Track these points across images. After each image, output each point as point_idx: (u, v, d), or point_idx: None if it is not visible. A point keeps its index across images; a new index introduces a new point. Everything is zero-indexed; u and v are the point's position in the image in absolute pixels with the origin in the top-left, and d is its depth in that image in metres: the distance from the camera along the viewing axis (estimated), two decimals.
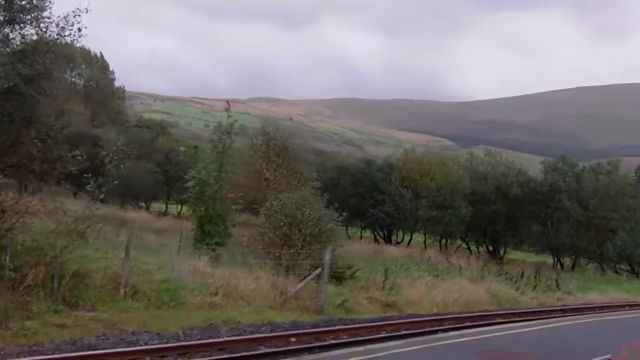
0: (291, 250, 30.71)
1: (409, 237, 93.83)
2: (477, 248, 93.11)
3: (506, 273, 44.18)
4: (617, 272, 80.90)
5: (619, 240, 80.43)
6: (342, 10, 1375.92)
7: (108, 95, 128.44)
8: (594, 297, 47.09)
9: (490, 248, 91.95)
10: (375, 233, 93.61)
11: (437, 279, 38.87)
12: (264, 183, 42.57)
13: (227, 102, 39.70)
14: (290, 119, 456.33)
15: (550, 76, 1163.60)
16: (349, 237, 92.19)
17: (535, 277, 47.65)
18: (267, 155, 46.40)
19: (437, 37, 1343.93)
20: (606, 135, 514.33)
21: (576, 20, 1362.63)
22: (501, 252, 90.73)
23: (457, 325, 27.75)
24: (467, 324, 28.47)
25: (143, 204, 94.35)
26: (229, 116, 35.85)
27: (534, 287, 44.95)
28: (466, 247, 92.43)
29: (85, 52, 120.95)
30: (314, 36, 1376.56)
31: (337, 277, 34.06)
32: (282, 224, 31.46)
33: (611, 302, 44.53)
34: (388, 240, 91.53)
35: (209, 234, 30.32)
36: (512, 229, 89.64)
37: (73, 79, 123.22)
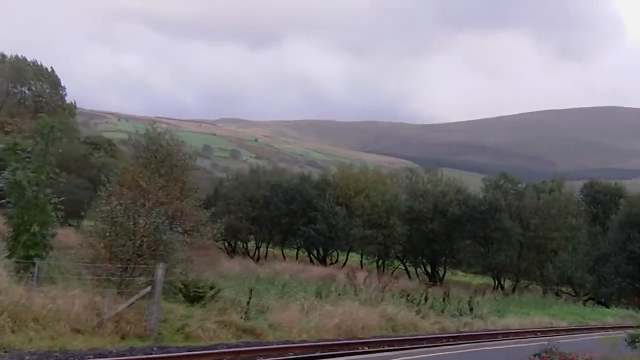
0: (118, 265, 25.99)
1: (345, 258, 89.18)
2: (416, 269, 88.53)
3: (408, 295, 39.48)
4: (557, 295, 76.88)
5: (559, 261, 76.47)
6: (306, 30, 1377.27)
7: (57, 110, 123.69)
8: (511, 321, 42.83)
9: (429, 269, 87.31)
10: (311, 253, 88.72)
11: (321, 301, 34.16)
12: (140, 192, 37.79)
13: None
14: (256, 140, 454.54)
15: (515, 98, 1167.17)
16: (284, 258, 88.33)
17: (443, 299, 43.01)
18: (148, 162, 41.56)
19: (402, 58, 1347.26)
20: (572, 158, 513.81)
21: (536, 42, 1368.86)
22: (440, 273, 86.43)
23: (302, 356, 23.23)
24: (317, 354, 23.94)
25: None
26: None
27: (442, 311, 40.45)
28: (403, 268, 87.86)
29: (36, 67, 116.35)
30: (278, 57, 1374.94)
31: (197, 298, 29.59)
32: (107, 233, 26.69)
33: (524, 328, 40.40)
34: (323, 260, 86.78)
35: (24, 244, 25.58)
36: (450, 249, 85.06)
37: (22, 94, 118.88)
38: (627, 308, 65.18)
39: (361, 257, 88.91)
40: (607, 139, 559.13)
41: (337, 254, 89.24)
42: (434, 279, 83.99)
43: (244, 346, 24.28)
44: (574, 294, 79.05)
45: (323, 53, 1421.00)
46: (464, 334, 34.81)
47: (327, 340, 28.20)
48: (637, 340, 20.79)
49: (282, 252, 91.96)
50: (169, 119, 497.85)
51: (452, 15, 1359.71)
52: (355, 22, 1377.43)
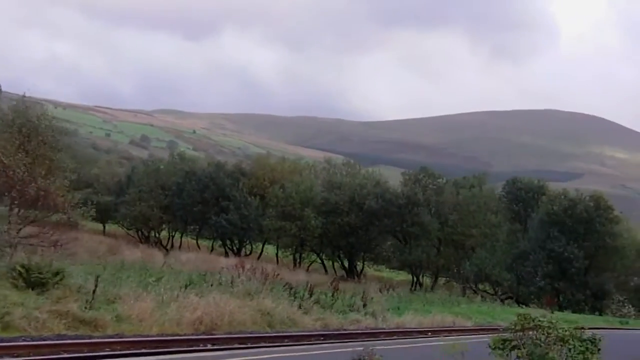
0: None
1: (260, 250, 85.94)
2: (333, 263, 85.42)
3: (291, 288, 36.24)
4: (475, 293, 74.41)
5: (476, 258, 73.96)
6: (244, 22, 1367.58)
7: None
8: (408, 319, 39.71)
9: (347, 264, 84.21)
10: (225, 244, 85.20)
11: (185, 291, 30.76)
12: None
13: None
14: (194, 132, 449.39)
15: (451, 98, 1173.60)
16: (199, 248, 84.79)
17: (333, 294, 39.74)
18: (13, 137, 37.68)
19: (339, 54, 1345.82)
20: (508, 159, 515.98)
21: (472, 42, 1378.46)
22: (358, 268, 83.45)
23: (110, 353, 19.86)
24: (132, 350, 20.61)
25: None
26: None
27: (331, 306, 37.23)
28: (320, 262, 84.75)
29: None
30: (216, 48, 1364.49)
31: (38, 284, 26.16)
32: None
33: (417, 327, 37.32)
34: (238, 252, 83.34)
35: None
36: (368, 243, 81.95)
37: None
38: (543, 308, 62.65)
39: (277, 249, 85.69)
40: (543, 142, 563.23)
41: (252, 246, 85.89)
42: (351, 273, 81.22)
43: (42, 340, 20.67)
44: (493, 293, 76.67)
45: (261, 46, 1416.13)
46: (339, 332, 31.48)
47: (169, 335, 24.78)
48: (500, 346, 17.60)
49: (197, 242, 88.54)
50: (105, 108, 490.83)
51: (389, 12, 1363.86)
52: (293, 16, 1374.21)
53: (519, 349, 17.55)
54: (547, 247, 73.29)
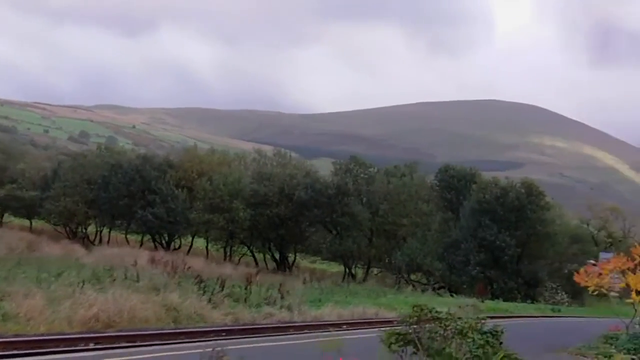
0: None
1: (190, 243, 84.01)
2: (264, 256, 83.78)
3: (201, 282, 34.61)
4: (407, 283, 73.43)
5: (407, 248, 72.80)
6: (181, 18, 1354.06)
7: None
8: (327, 312, 38.29)
9: (278, 256, 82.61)
10: (155, 239, 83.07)
11: (83, 288, 29.00)
12: None
13: None
14: (133, 127, 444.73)
15: (390, 91, 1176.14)
16: (128, 243, 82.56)
17: (246, 287, 38.08)
18: None
19: (279, 48, 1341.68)
20: (449, 150, 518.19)
21: (409, 35, 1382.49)
22: (289, 260, 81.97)
23: None
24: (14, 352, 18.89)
25: None
26: None
27: (245, 300, 35.66)
28: (251, 254, 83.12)
29: None
30: (154, 43, 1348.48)
31: None
32: None
33: (335, 320, 35.94)
34: (167, 246, 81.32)
35: None
36: (298, 235, 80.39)
37: None
38: (474, 296, 61.62)
39: (207, 243, 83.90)
40: (484, 132, 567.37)
41: (180, 240, 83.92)
42: (282, 266, 79.76)
43: None
44: (426, 282, 75.64)
45: (199, 41, 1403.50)
46: (245, 327, 29.86)
47: (52, 334, 22.99)
48: (393, 341, 16.10)
49: (126, 237, 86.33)
50: (44, 104, 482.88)
51: (326, 6, 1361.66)
52: (230, 10, 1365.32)
53: (415, 343, 16.18)
54: (478, 235, 72.45)
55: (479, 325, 16.18)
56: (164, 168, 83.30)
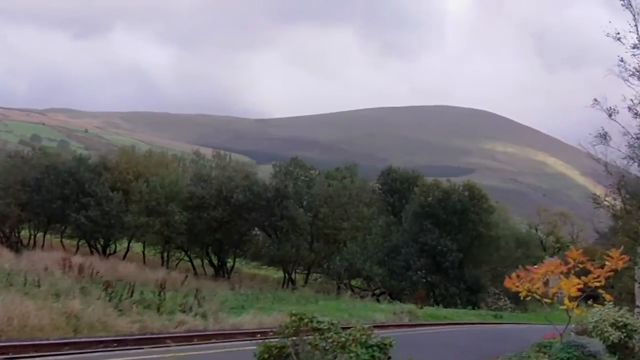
0: None
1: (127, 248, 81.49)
2: (202, 261, 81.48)
3: (108, 287, 32.45)
4: (346, 288, 71.67)
5: (347, 252, 71.00)
6: (135, 21, 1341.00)
7: None
8: (247, 320, 36.32)
9: (217, 261, 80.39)
10: (90, 244, 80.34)
11: None
12: None
13: None
14: (86, 131, 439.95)
15: (344, 95, 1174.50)
16: (64, 248, 79.92)
17: (160, 293, 35.91)
18: None
19: (235, 52, 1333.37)
20: (403, 155, 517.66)
21: (362, 40, 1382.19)
22: (227, 265, 79.86)
23: None
24: None
25: None
26: None
27: (158, 307, 33.53)
28: (188, 259, 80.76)
29: None
30: (109, 46, 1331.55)
31: None
32: None
33: (253, 328, 34.02)
34: (104, 251, 78.76)
35: None
36: (235, 239, 78.20)
37: None
38: (414, 302, 59.95)
39: (143, 247, 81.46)
40: (437, 137, 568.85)
41: (115, 245, 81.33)
42: (221, 271, 77.73)
43: None
44: (366, 288, 73.94)
45: (154, 44, 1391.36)
46: (142, 337, 27.63)
47: None
48: (265, 356, 14.13)
49: (61, 241, 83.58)
50: None
51: (281, 10, 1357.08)
52: (185, 14, 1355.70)
53: (293, 357, 14.25)
54: (419, 240, 71.10)
55: (365, 337, 14.25)
56: (99, 170, 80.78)
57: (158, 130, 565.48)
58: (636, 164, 38.24)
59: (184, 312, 34.44)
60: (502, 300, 72.26)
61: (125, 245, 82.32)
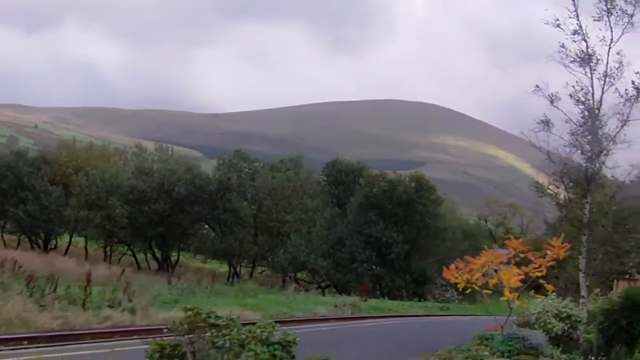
0: None
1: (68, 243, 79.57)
2: (146, 255, 79.92)
3: (30, 281, 31.03)
4: (291, 281, 70.66)
5: (291, 245, 69.93)
6: (86, 16, 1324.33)
7: None
8: (177, 315, 34.76)
9: (160, 255, 78.85)
10: (31, 239, 78.41)
11: None
12: None
13: None
14: (35, 126, 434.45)
15: (294, 90, 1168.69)
16: (5, 244, 77.97)
17: (85, 288, 34.43)
18: None
19: (184, 47, 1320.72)
20: (354, 150, 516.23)
21: (311, 35, 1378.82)
22: (172, 259, 78.39)
23: None
24: None
25: None
26: None
27: (83, 302, 32.12)
28: (131, 254, 79.16)
29: None
30: (58, 41, 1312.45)
31: None
32: None
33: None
34: (45, 246, 76.92)
35: None
36: (179, 233, 76.74)
37: None
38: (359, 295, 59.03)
39: (85, 242, 79.65)
40: (389, 131, 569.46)
41: (56, 240, 79.47)
42: (164, 265, 76.33)
43: None
44: (310, 281, 72.97)
45: (103, 40, 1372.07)
46: (56, 333, 26.30)
47: None
48: (157, 355, 12.91)
49: (2, 236, 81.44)
50: None
51: (230, 6, 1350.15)
52: (135, 9, 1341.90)
53: (188, 356, 13.07)
54: (364, 231, 70.26)
55: (266, 334, 13.08)
56: (38, 164, 78.91)
57: (109, 125, 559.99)
58: (579, 151, 37.57)
59: (112, 307, 33.11)
60: (450, 292, 71.63)
61: (69, 240, 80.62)
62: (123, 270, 52.09)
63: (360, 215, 71.45)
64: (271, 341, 12.97)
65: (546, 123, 37.18)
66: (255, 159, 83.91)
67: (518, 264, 26.02)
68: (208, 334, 13.08)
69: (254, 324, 13.68)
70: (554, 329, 28.20)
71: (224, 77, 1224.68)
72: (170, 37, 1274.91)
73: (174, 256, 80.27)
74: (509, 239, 27.49)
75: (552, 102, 36.94)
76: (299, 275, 74.82)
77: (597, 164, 37.13)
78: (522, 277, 25.22)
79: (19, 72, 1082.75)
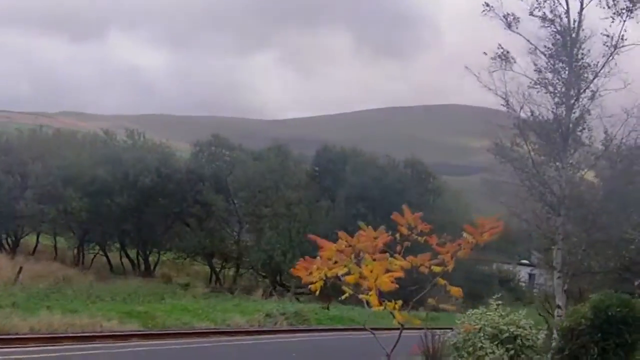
0: None
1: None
2: (120, 255, 71.48)
3: None
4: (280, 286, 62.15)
5: (265, 242, 61.14)
6: (127, 22, 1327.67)
7: None
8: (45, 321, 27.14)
9: (136, 255, 70.53)
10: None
11: None
12: None
13: None
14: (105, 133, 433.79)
15: (348, 96, 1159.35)
16: None
17: None
18: None
19: (233, 53, 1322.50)
20: (412, 155, 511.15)
21: (358, 40, 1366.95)
22: (148, 258, 70.12)
23: None
24: None
25: None
26: None
27: None
28: (103, 253, 70.92)
29: None
30: (102, 49, 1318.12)
31: None
32: None
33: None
34: (14, 247, 69.20)
35: None
36: (144, 229, 68.27)
37: None
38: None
39: (55, 241, 71.74)
40: (445, 136, 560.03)
41: (15, 237, 71.53)
42: (138, 266, 68.29)
43: None
44: (281, 284, 64.14)
45: (148, 47, 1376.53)
46: None
47: None
48: None
49: None
50: (5, 111, 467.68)
51: (279, 12, 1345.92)
52: (180, 15, 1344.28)
53: None
54: (350, 228, 61.02)
55: None
56: None
57: (165, 132, 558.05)
58: (548, 94, 27.85)
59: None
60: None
61: (43, 239, 72.87)
62: (20, 268, 44.01)
63: (348, 208, 62.57)
64: None
65: (504, 57, 27.63)
66: (238, 146, 75.19)
67: (410, 252, 15.32)
68: None
69: None
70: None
71: (272, 82, 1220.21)
72: (220, 43, 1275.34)
73: (154, 255, 71.90)
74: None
75: (509, 25, 27.33)
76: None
77: (577, 111, 27.33)
78: (401, 274, 14.32)
79: (67, 80, 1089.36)
